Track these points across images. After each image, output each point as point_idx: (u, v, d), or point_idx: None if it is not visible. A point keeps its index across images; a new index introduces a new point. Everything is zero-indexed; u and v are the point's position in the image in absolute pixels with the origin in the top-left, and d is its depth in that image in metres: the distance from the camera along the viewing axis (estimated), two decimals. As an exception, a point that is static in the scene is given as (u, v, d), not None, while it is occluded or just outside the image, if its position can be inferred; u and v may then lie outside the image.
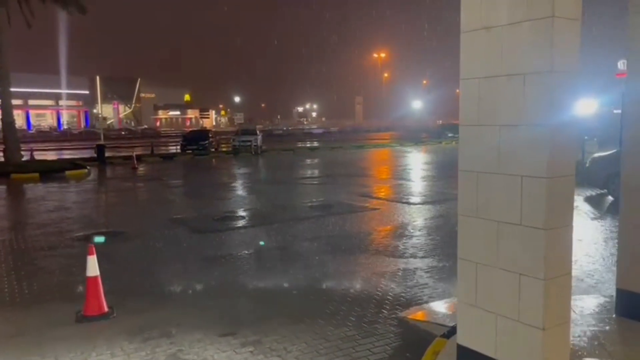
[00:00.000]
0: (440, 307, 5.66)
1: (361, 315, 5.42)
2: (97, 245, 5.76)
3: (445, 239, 8.69)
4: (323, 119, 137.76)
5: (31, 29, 23.08)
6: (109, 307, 5.60)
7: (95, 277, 5.55)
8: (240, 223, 10.80)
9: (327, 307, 5.63)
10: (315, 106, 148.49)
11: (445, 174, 18.22)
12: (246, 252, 8.30)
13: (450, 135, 43.73)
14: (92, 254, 5.60)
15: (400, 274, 6.85)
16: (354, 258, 7.72)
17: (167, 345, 4.79)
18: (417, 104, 75.86)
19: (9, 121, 22.23)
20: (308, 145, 40.84)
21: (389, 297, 5.95)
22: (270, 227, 10.09)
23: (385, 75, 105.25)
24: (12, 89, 22.63)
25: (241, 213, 11.83)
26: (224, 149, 33.33)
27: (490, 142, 3.46)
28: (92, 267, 5.56)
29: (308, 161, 26.81)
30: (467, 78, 3.61)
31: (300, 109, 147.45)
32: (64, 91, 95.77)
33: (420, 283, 6.45)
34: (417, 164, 24.46)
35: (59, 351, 4.72)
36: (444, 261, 7.34)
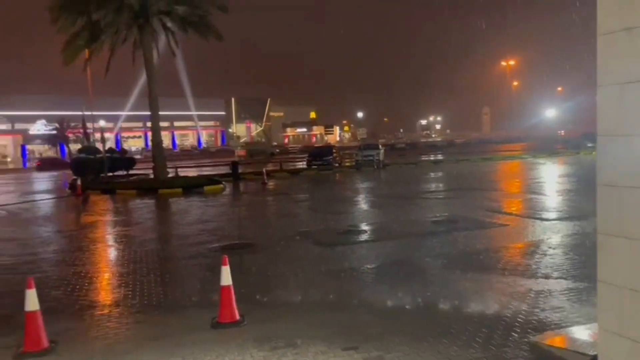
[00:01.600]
0: (579, 333, 5.18)
1: (488, 337, 5.15)
2: (230, 256, 6.14)
3: (582, 259, 7.96)
4: (447, 131, 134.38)
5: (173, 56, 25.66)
6: (240, 315, 5.94)
7: (228, 287, 5.92)
8: (363, 237, 10.87)
9: (452, 327, 5.44)
10: (439, 118, 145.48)
11: (583, 188, 16.75)
12: (369, 266, 8.32)
13: (590, 145, 40.14)
14: (225, 264, 5.99)
15: (532, 295, 6.40)
16: (481, 276, 7.37)
17: (292, 356, 4.95)
18: (550, 113, 70.82)
19: (157, 142, 24.75)
20: (432, 158, 40.02)
21: (519, 319, 5.59)
22: (393, 241, 10.03)
23: (515, 83, 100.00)
24: (160, 113, 25.15)
25: (364, 227, 11.92)
26: (347, 164, 33.86)
27: (636, 153, 3.13)
28: (226, 277, 5.94)
29: (432, 175, 26.27)
30: (605, 84, 3.31)
31: (423, 122, 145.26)
32: (203, 113, 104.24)
33: (555, 306, 5.96)
34: (551, 176, 22.77)
35: (197, 354, 5.10)
36: (582, 283, 6.72)
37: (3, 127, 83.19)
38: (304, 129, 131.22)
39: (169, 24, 24.95)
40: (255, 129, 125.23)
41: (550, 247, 9.01)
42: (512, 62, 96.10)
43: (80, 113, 35.99)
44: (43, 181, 34.91)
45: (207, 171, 33.51)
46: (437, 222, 12.03)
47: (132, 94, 77.53)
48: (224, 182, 23.65)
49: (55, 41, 24.05)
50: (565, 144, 43.60)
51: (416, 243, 9.87)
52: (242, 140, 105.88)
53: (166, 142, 79.67)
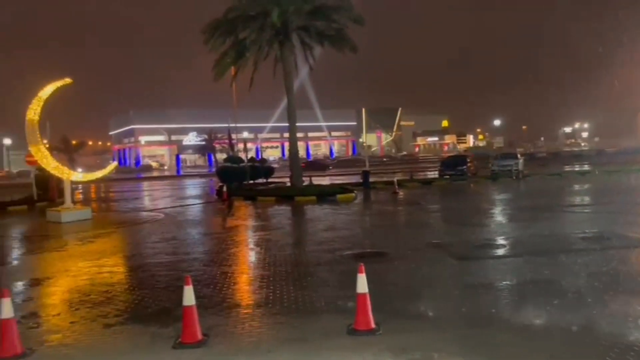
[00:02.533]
0: None
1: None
2: (364, 264, 6.23)
3: None
4: (596, 139, 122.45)
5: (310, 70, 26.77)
6: (375, 323, 6.00)
7: (364, 294, 6.01)
8: (501, 252, 10.37)
9: (605, 354, 4.97)
10: (585, 125, 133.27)
11: None
12: (508, 282, 7.92)
13: None
14: (362, 272, 6.10)
15: None
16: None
17: (429, 369, 4.89)
18: None
19: (294, 152, 25.99)
20: (577, 169, 36.82)
21: (691, 353, 4.94)
22: (535, 258, 9.41)
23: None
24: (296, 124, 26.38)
25: (502, 241, 11.35)
26: (482, 174, 32.48)
27: None
28: (362, 284, 6.04)
29: (577, 187, 24.19)
30: None
31: (567, 130, 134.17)
32: (335, 123, 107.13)
33: None
34: None
35: (333, 358, 5.26)
36: None
37: (162, 138, 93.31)
38: (435, 138, 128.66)
39: (307, 39, 26.09)
40: (386, 139, 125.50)
41: None
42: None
43: (225, 125, 39.01)
44: (194, 187, 38.36)
45: (339, 180, 34.31)
46: (586, 238, 11.06)
47: (271, 107, 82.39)
48: (355, 191, 24.03)
49: (202, 62, 26.42)
50: None
51: (561, 260, 9.16)
52: (372, 149, 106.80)
53: (301, 152, 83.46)
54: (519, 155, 33.61)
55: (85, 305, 7.58)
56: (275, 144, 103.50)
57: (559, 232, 12.17)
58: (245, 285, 8.58)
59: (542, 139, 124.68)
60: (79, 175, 19.13)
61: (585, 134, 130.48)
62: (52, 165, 17.73)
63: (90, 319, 6.89)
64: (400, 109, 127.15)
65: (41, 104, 16.83)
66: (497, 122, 44.21)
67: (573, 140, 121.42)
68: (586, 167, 36.80)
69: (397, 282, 8.31)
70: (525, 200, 20.77)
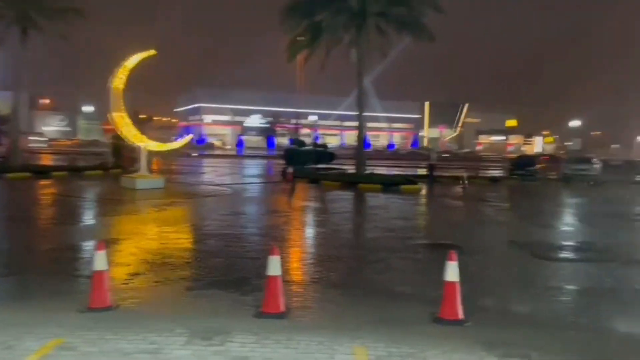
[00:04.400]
0: None
1: None
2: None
3: None
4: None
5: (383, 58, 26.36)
6: (463, 314, 5.73)
7: (454, 283, 5.74)
8: (584, 255, 9.77)
9: None
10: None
11: None
12: (599, 287, 7.41)
13: None
14: (453, 260, 5.82)
15: None
16: None
17: (528, 367, 4.59)
18: None
19: (362, 138, 25.73)
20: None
21: None
22: (626, 265, 8.80)
23: None
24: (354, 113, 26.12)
25: (582, 245, 10.67)
26: (552, 177, 31.06)
27: None
28: (453, 273, 5.76)
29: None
30: None
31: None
32: (397, 115, 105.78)
33: None
34: None
35: (423, 346, 5.04)
36: None
37: (227, 118, 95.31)
38: (501, 137, 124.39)
39: (383, 26, 25.60)
40: (448, 134, 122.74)
41: None
42: None
43: (289, 109, 39.29)
44: (255, 167, 38.93)
45: (401, 172, 33.78)
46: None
47: (335, 95, 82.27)
48: (420, 183, 23.53)
49: (275, 43, 26.50)
50: None
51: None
52: (439, 143, 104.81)
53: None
54: (595, 160, 31.86)
55: (166, 267, 7.72)
56: (335, 132, 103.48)
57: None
58: (321, 264, 8.46)
59: (618, 145, 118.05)
60: (155, 144, 19.69)
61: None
62: (132, 132, 18.33)
63: (173, 281, 7.00)
64: (466, 104, 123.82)
65: (127, 73, 17.37)
66: (573, 123, 41.93)
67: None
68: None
69: (476, 276, 7.94)
70: (605, 207, 19.61)
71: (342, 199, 18.88)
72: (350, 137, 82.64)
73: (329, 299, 6.48)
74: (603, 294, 7.12)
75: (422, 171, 30.55)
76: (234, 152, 69.87)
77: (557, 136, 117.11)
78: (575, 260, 9.32)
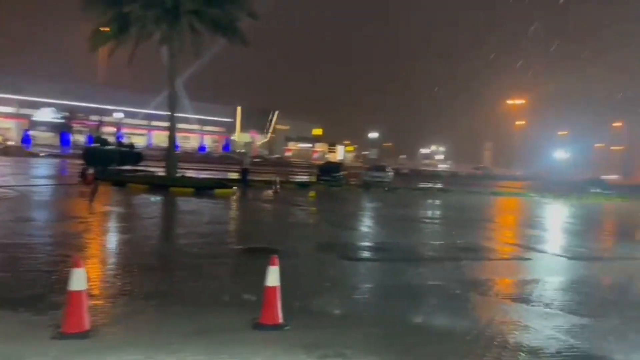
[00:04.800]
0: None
1: None
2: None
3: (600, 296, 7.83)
4: (449, 162, 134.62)
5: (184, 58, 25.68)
6: (282, 319, 5.74)
7: (274, 288, 5.73)
8: (390, 255, 10.67)
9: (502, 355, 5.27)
10: (441, 149, 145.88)
11: (598, 229, 16.66)
12: (401, 284, 8.13)
13: (593, 190, 40.31)
14: (275, 264, 5.81)
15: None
16: (520, 306, 7.20)
17: (345, 366, 4.77)
18: (557, 155, 71.24)
19: (172, 139, 24.64)
20: (438, 186, 39.93)
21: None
22: (421, 263, 9.90)
23: (521, 122, 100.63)
24: (165, 113, 25.12)
25: (388, 246, 11.72)
26: (353, 183, 33.78)
27: None
28: (274, 277, 5.75)
29: (445, 202, 26.18)
30: None
31: (426, 151, 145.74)
32: (209, 118, 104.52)
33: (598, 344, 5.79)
34: (558, 215, 22.73)
35: (244, 354, 4.90)
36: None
37: (12, 110, 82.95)
38: (308, 145, 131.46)
39: (197, 25, 24.96)
40: (260, 140, 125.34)
41: (577, 284, 8.88)
42: (518, 102, 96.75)
43: (89, 105, 35.91)
44: (47, 167, 34.63)
45: (213, 175, 33.32)
46: (464, 249, 11.88)
47: (144, 92, 77.86)
48: (234, 187, 23.47)
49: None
50: (569, 187, 43.56)
51: (446, 266, 9.70)
52: (247, 148, 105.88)
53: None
54: (389, 168, 35.53)
55: None
56: (142, 131, 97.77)
57: (435, 241, 12.95)
58: (130, 275, 7.74)
59: (404, 156, 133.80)
60: None
61: (440, 156, 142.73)
62: None
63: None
64: (277, 111, 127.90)
65: None
66: (372, 135, 46.62)
67: (429, 161, 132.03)
68: (447, 186, 39.92)
69: (294, 279, 8.09)
70: (400, 210, 21.84)
71: (152, 203, 17.81)
72: (158, 138, 79.09)
73: (141, 312, 5.94)
74: (402, 290, 7.81)
75: (235, 175, 30.59)
76: (19, 149, 61.35)
77: (357, 145, 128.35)
78: (378, 260, 10.11)
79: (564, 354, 5.40)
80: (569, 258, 11.49)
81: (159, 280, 7.35)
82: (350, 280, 8.33)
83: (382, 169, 34.64)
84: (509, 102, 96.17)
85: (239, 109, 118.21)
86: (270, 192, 23.91)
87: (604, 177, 55.54)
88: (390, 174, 33.81)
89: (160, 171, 26.36)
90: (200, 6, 24.06)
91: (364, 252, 10.86)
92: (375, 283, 8.18)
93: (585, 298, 8.04)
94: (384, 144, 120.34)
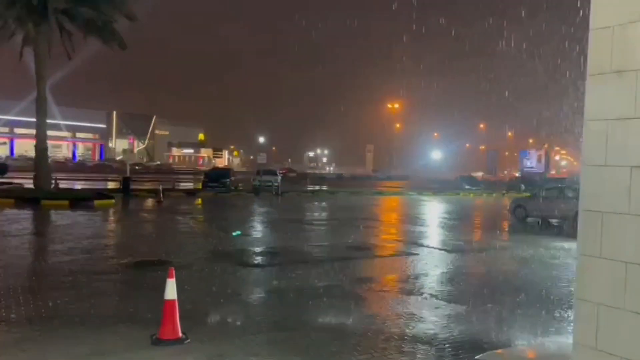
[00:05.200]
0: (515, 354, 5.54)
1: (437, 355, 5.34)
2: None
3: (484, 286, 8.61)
4: (333, 164, 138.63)
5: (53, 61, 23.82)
6: (182, 332, 5.54)
7: (173, 301, 5.51)
8: (286, 259, 10.74)
9: (403, 346, 5.55)
10: (326, 152, 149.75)
11: (484, 224, 18.13)
12: (302, 287, 8.23)
13: (467, 187, 43.93)
14: (172, 277, 5.59)
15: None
16: (407, 299, 7.63)
17: (254, 374, 4.72)
18: (433, 155, 76.45)
19: (42, 148, 22.61)
20: (325, 188, 40.93)
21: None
22: (315, 264, 10.08)
23: (398, 125, 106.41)
24: (28, 119, 23.13)
25: (282, 250, 11.79)
26: (242, 188, 33.50)
27: (620, 182, 3.50)
28: (171, 291, 5.53)
29: (333, 203, 26.87)
30: (593, 119, 3.68)
31: (311, 154, 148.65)
32: (81, 124, 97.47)
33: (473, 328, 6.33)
34: (437, 212, 24.45)
35: (146, 373, 4.67)
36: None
37: None
38: (191, 150, 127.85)
39: (68, 26, 23.21)
40: (138, 146, 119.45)
41: (463, 274, 9.63)
42: (396, 105, 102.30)
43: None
44: None
45: (91, 185, 31.21)
46: (355, 247, 12.30)
47: (3, 97, 70.65)
48: (115, 198, 22.16)
49: None
50: (444, 184, 47.02)
51: (339, 266, 9.96)
52: (120, 157, 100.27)
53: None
54: (278, 172, 35.74)
55: None
56: (3, 140, 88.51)
57: (328, 242, 13.27)
58: (5, 299, 6.98)
59: (289, 160, 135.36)
60: None
61: (325, 159, 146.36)
62: None
63: None
64: (155, 116, 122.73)
65: None
66: (255, 140, 46.39)
67: (315, 164, 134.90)
68: (334, 188, 41.02)
69: (191, 290, 7.85)
70: (291, 213, 22.02)
71: (21, 218, 16.20)
72: (23, 147, 72.25)
73: (25, 339, 5.39)
74: (301, 292, 7.87)
75: (116, 184, 28.93)
76: None
77: (242, 150, 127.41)
78: (275, 265, 10.10)
79: (457, 339, 5.82)
80: (449, 251, 12.38)
81: (41, 303, 6.71)
82: (248, 286, 8.27)
83: (271, 173, 34.75)
84: (389, 105, 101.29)
85: (114, 114, 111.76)
86: (154, 201, 22.93)
87: (473, 174, 60.65)
88: (279, 177, 34.00)
89: (28, 183, 24.09)
90: (71, 5, 22.42)
91: (260, 257, 10.85)
92: (273, 288, 8.18)
93: (467, 287, 8.74)
94: (273, 148, 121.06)
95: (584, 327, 3.70)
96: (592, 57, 3.71)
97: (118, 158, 74.36)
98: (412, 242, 13.66)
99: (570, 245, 13.52)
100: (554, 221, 18.90)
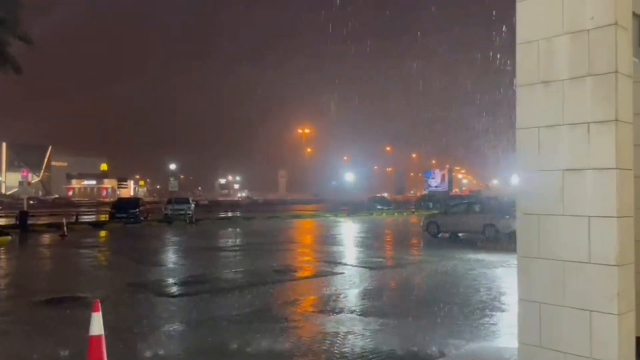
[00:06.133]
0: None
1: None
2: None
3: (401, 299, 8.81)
4: (245, 191, 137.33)
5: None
6: (110, 370, 5.08)
7: (99, 337, 5.03)
8: (208, 287, 10.28)
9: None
10: (237, 178, 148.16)
11: (396, 242, 18.59)
12: (226, 314, 7.91)
13: (379, 207, 45.25)
14: (97, 310, 5.12)
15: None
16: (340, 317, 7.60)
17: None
18: (346, 177, 78.01)
19: None
20: (239, 214, 40.27)
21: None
22: (239, 290, 9.76)
23: (309, 150, 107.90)
24: None
25: (198, 278, 11.27)
26: (153, 218, 32.09)
27: (553, 185, 3.71)
28: (98, 325, 5.05)
29: (249, 229, 26.40)
30: (524, 127, 3.89)
31: (222, 181, 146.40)
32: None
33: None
34: (354, 232, 24.88)
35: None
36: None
37: None
38: (93, 182, 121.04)
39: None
40: (32, 179, 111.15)
41: (390, 289, 9.77)
42: (307, 130, 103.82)
43: None
44: None
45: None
46: (278, 271, 12.10)
47: None
48: (11, 234, 20.29)
49: None
50: (357, 206, 48.07)
51: (266, 291, 9.72)
52: (11, 191, 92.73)
53: None
54: (191, 200, 34.67)
55: None
56: None
57: (253, 267, 12.96)
58: None
59: (199, 188, 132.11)
60: None
61: (237, 186, 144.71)
62: None
63: None
64: (50, 147, 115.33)
65: None
66: (172, 168, 44.38)
67: (228, 191, 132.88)
68: (248, 214, 40.43)
69: (112, 324, 7.26)
70: (205, 241, 21.28)
71: None
72: None
73: None
74: (228, 320, 7.54)
75: (10, 220, 26.62)
76: None
77: (148, 179, 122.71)
78: (196, 293, 9.60)
79: (392, 352, 5.82)
80: (371, 268, 12.55)
81: None
82: (171, 317, 7.76)
83: (184, 201, 33.61)
84: (299, 130, 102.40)
85: (4, 145, 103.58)
86: (58, 235, 21.30)
87: (384, 194, 62.71)
88: (192, 205, 32.99)
89: None
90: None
91: (179, 287, 10.30)
92: (197, 317, 7.76)
93: (394, 301, 8.88)
94: (183, 177, 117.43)
95: (528, 326, 3.84)
96: (521, 69, 3.94)
97: (9, 193, 68.54)
98: (334, 261, 13.71)
99: (482, 256, 14.30)
100: (463, 234, 19.97)
